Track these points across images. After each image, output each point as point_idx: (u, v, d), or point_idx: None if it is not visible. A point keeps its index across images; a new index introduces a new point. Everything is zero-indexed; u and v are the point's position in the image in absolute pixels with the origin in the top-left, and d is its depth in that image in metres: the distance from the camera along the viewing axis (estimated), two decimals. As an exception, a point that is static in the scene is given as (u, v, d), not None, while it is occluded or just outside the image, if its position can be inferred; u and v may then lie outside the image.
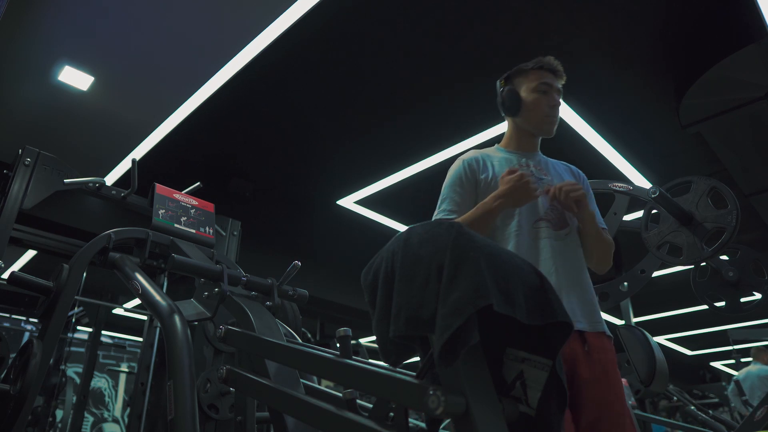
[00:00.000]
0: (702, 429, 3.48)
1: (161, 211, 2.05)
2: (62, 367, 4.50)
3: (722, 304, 2.55)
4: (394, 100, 3.30)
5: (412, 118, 3.46)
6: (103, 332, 5.35)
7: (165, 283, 2.39)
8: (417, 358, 0.88)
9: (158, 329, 2.76)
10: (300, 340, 1.57)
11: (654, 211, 2.38)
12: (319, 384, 1.47)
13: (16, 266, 5.56)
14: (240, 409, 1.48)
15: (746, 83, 2.95)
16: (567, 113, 3.29)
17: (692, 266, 2.54)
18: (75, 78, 3.04)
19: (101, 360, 6.99)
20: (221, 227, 2.69)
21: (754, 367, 5.09)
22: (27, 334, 5.08)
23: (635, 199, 2.42)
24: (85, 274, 1.73)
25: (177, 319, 1.33)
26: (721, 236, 2.14)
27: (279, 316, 1.72)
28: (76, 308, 4.44)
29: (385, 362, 0.87)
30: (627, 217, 2.49)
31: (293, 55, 2.87)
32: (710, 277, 2.60)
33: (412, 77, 3.08)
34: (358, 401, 0.94)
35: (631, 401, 3.07)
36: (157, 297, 1.43)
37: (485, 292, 0.69)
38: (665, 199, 2.23)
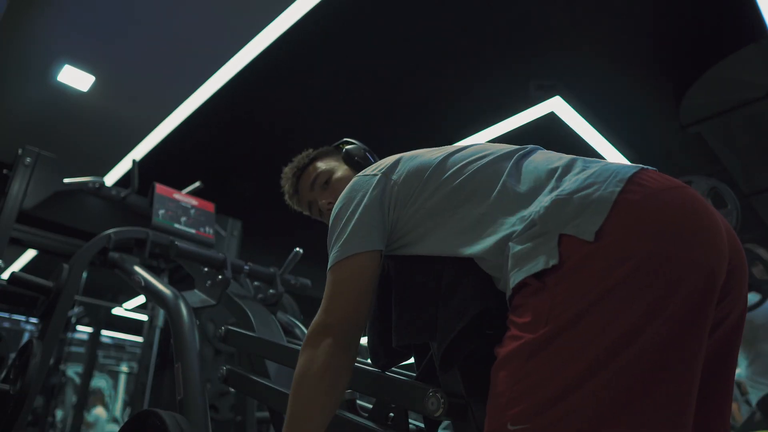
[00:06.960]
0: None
1: (161, 211, 2.05)
2: (62, 367, 4.50)
3: None
4: (393, 102, 3.29)
5: (412, 119, 3.45)
6: (103, 332, 5.35)
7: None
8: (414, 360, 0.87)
9: (158, 329, 2.77)
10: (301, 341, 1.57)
11: None
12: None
13: (16, 266, 5.55)
14: (240, 409, 1.48)
15: (746, 83, 2.94)
16: (567, 112, 3.28)
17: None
18: (75, 78, 3.03)
19: (101, 360, 6.98)
20: (221, 227, 2.69)
21: None
22: (27, 334, 5.07)
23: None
24: (85, 274, 1.73)
25: (182, 303, 1.34)
26: None
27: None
28: (75, 308, 4.44)
29: (375, 365, 0.86)
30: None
31: (294, 55, 2.87)
32: None
33: (408, 79, 3.07)
34: (358, 401, 0.93)
35: None
36: (160, 286, 1.44)
37: (485, 294, 0.69)
38: None
